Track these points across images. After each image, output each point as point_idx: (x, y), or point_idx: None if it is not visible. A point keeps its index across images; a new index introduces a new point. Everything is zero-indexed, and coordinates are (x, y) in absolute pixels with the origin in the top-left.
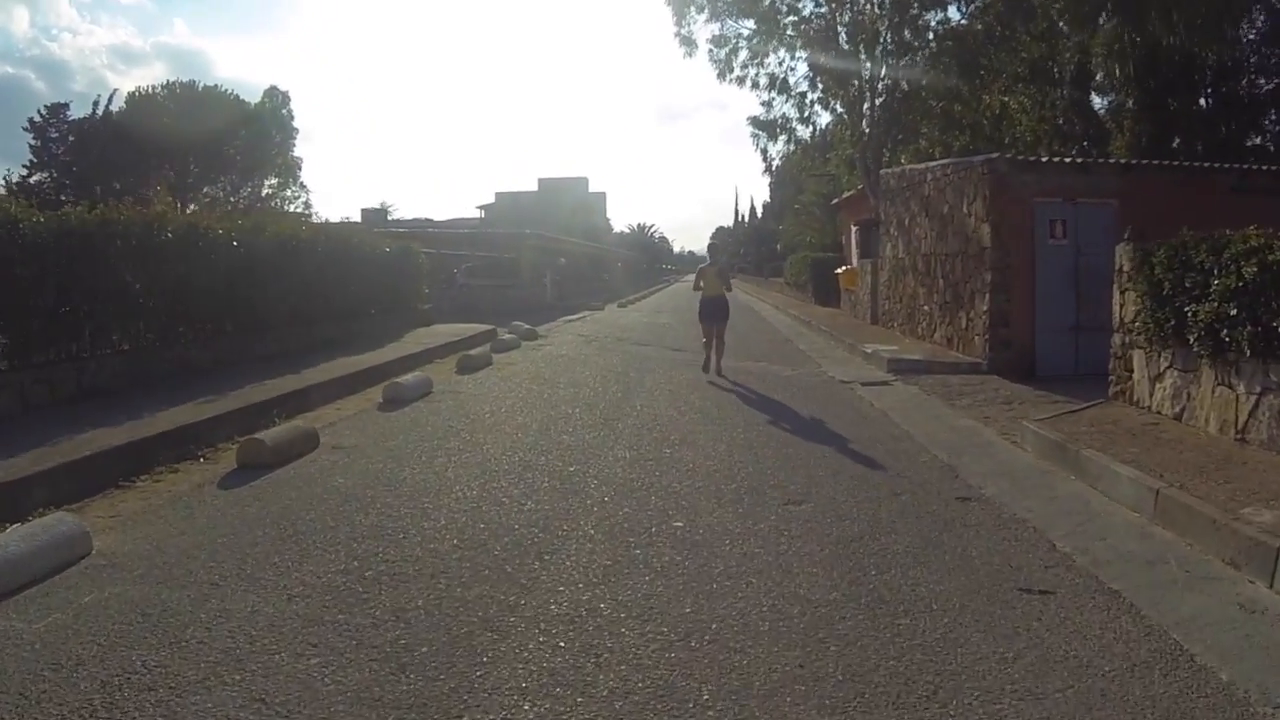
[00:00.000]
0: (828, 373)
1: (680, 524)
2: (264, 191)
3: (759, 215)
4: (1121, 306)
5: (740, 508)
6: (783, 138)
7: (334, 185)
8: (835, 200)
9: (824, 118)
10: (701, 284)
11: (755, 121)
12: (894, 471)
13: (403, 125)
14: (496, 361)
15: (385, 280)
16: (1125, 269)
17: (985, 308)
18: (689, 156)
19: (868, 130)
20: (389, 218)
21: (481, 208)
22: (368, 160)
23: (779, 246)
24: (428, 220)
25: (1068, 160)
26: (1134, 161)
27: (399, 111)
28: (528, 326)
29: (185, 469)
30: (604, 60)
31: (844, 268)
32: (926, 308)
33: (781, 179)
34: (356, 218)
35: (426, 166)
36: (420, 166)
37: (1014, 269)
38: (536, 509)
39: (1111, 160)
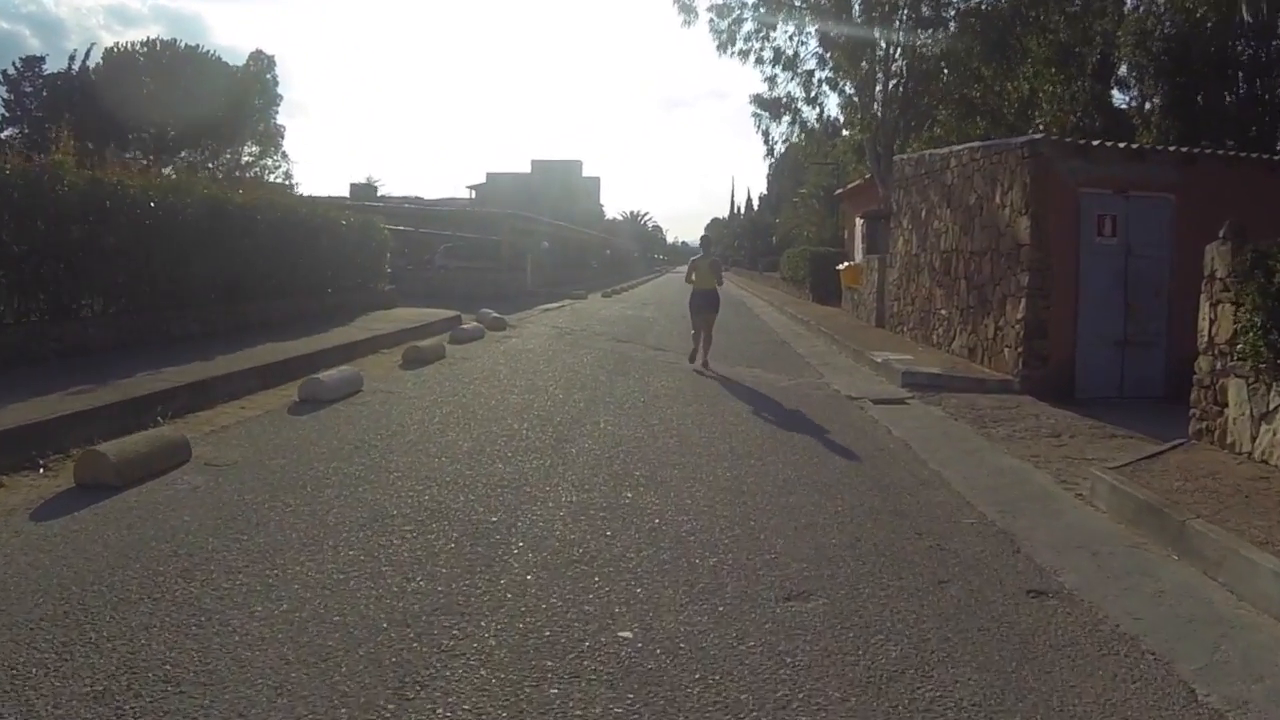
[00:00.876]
0: (832, 385)
1: (628, 634)
2: (244, 159)
3: (755, 207)
4: (1213, 322)
5: (719, 603)
6: (786, 119)
7: (327, 159)
8: (839, 191)
9: (832, 100)
10: (693, 276)
11: (758, 100)
12: (932, 540)
13: (399, 101)
14: (450, 355)
15: (342, 257)
16: (1220, 275)
17: (1020, 315)
18: (687, 146)
19: (880, 113)
20: (377, 194)
21: (472, 188)
22: (362, 135)
23: (775, 240)
24: (418, 198)
25: (1121, 145)
26: (1199, 150)
27: (396, 87)
28: (495, 315)
29: (13, 483)
30: (604, 43)
31: (846, 264)
32: (944, 312)
33: (780, 171)
34: (346, 193)
35: (421, 144)
36: (415, 144)
37: (1054, 271)
38: (421, 594)
39: (1172, 149)
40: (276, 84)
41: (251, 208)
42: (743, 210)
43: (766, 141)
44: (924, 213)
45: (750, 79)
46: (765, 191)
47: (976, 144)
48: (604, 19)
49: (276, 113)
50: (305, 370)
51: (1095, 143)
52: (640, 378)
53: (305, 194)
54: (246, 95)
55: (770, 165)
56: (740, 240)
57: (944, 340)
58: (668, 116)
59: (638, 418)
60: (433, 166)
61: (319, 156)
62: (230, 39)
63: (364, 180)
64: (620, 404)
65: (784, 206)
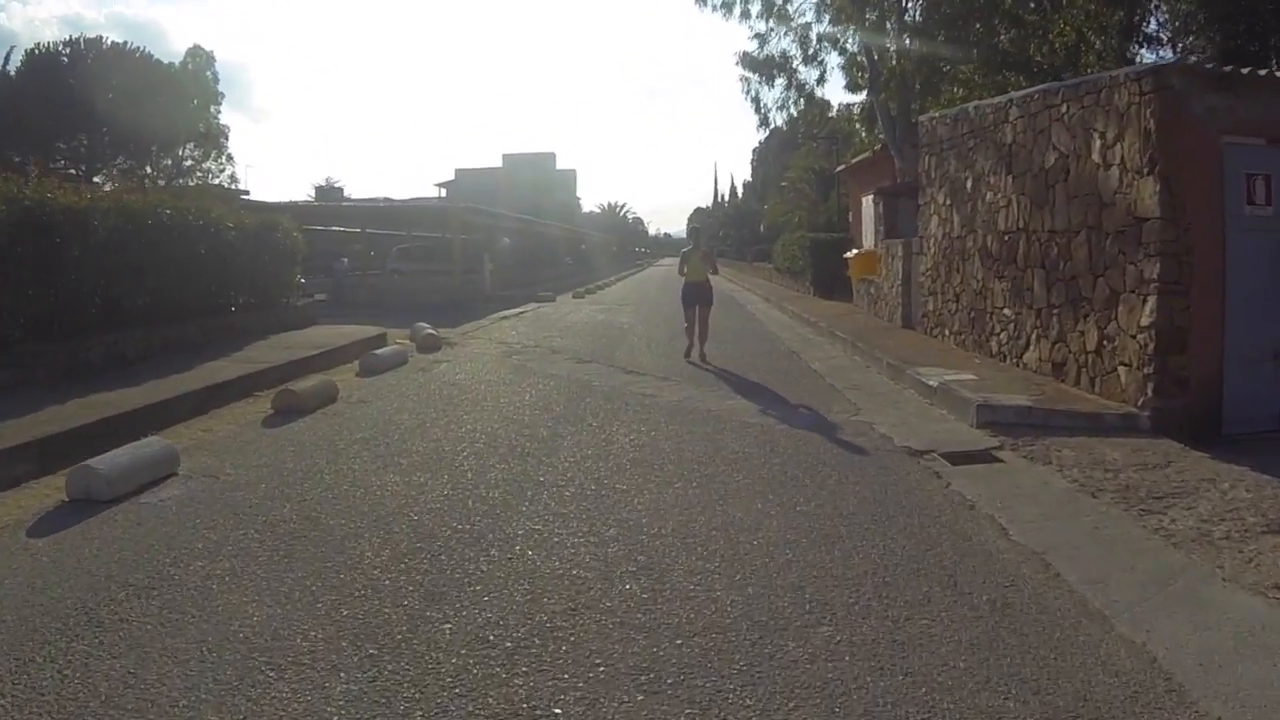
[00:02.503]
0: (875, 426)
1: None
2: (185, 163)
3: (740, 195)
4: None
5: None
6: (780, 82)
7: (294, 165)
8: (840, 168)
9: (833, 60)
10: (685, 269)
11: (747, 61)
12: None
13: (366, 101)
14: (346, 396)
15: (233, 269)
16: None
17: (1146, 320)
18: (667, 136)
19: (897, 65)
20: (341, 196)
21: (441, 185)
22: (329, 138)
23: (763, 228)
24: (387, 199)
25: None
26: None
27: (363, 87)
28: (430, 331)
29: None
30: (576, 31)
31: (855, 251)
32: (1008, 312)
33: (765, 156)
34: (312, 197)
35: (390, 143)
36: (384, 144)
37: (1191, 255)
38: None
39: None
40: (217, 80)
41: (81, 210)
42: (726, 198)
43: (758, 110)
44: (969, 183)
45: (736, 33)
46: (750, 178)
47: (1056, 85)
48: (577, 4)
49: (219, 112)
50: (83, 449)
51: (1246, 70)
52: (600, 426)
53: (276, 200)
54: (184, 94)
55: (754, 152)
56: (726, 229)
57: (1009, 349)
58: (647, 106)
59: (583, 521)
60: (402, 166)
61: (286, 162)
62: (189, 45)
63: (323, 182)
64: (561, 486)
65: (770, 193)
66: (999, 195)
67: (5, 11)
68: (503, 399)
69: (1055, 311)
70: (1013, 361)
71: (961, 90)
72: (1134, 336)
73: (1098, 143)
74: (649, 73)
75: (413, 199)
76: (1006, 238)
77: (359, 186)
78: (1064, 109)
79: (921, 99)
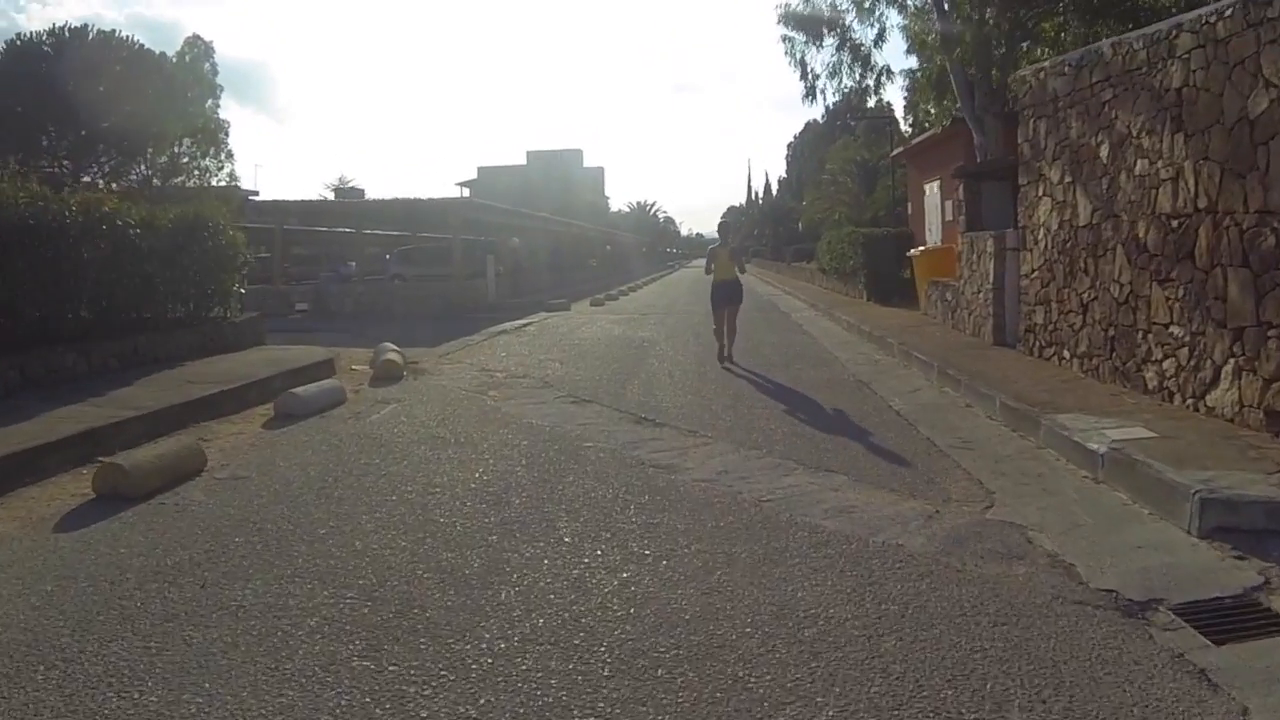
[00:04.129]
0: (1030, 534)
1: None
2: (183, 159)
3: (774, 192)
4: None
5: None
6: (831, 42)
7: (315, 165)
8: (897, 150)
9: (892, 17)
10: (713, 267)
11: (789, 17)
12: None
13: (388, 98)
14: (224, 464)
15: (137, 277)
16: None
17: None
18: (698, 133)
19: (975, 16)
20: (356, 196)
21: (463, 184)
22: (351, 137)
23: (801, 225)
24: (414, 200)
25: None
26: None
27: (386, 85)
28: (390, 355)
29: None
30: (603, 25)
31: (922, 248)
32: (1178, 330)
33: (800, 151)
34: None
35: (412, 141)
36: (405, 141)
37: None
38: None
39: None
40: (216, 73)
41: None
42: (760, 195)
43: (804, 76)
44: (1104, 151)
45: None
46: (785, 174)
47: None
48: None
49: (218, 106)
50: None
51: None
52: (573, 548)
53: (275, 198)
54: (180, 87)
55: (789, 147)
56: (760, 228)
57: (1181, 385)
58: (676, 102)
59: None
60: (425, 165)
61: (307, 162)
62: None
63: (336, 181)
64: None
65: (807, 188)
66: (1159, 164)
67: (25, 13)
68: (440, 476)
69: (1273, 332)
70: (1188, 403)
71: (1047, 50)
72: None
73: None
74: (679, 67)
75: (434, 199)
76: (1175, 224)
77: (380, 186)
78: None
79: (1009, 54)
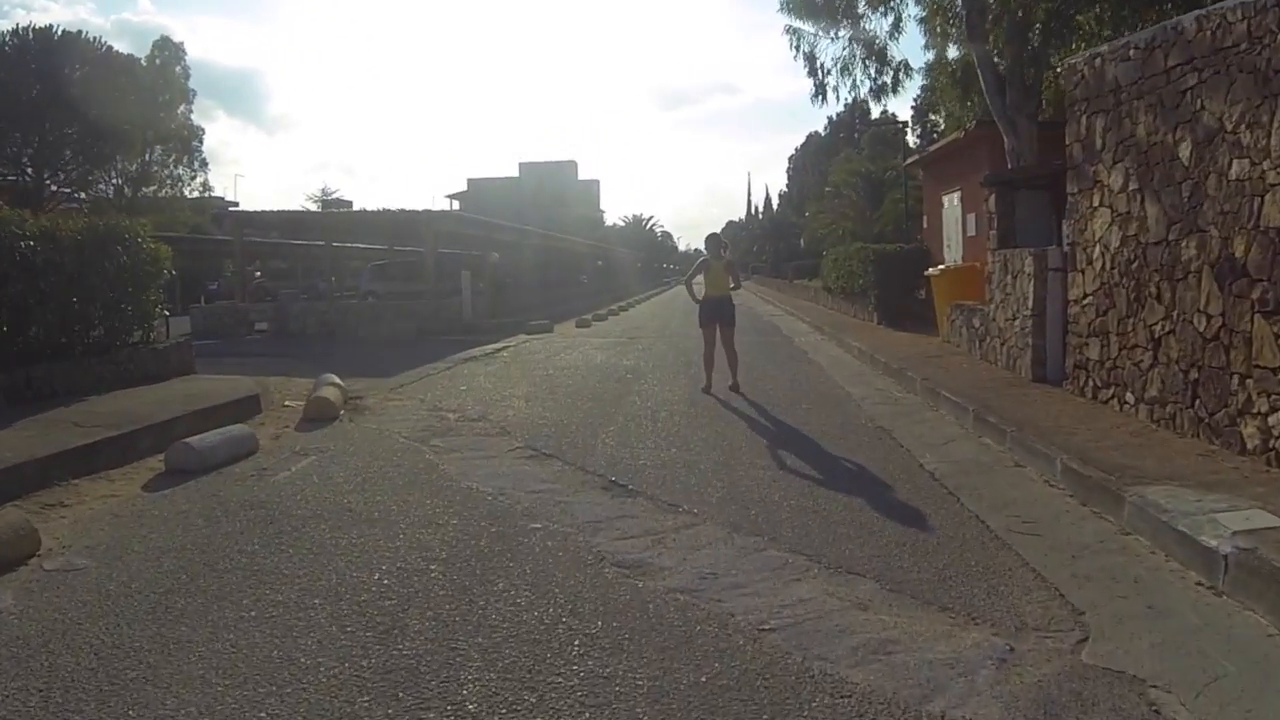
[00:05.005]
0: (1168, 710)
1: None
2: (153, 167)
3: (775, 207)
4: None
5: None
6: (844, 32)
7: (303, 176)
8: (911, 159)
9: (911, 6)
10: (699, 282)
11: (794, 5)
12: None
13: (378, 110)
14: (63, 548)
15: (29, 297)
16: None
17: None
18: (696, 147)
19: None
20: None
21: (453, 196)
22: (341, 149)
23: (803, 241)
24: (385, 211)
25: None
26: None
27: (376, 95)
28: (325, 391)
29: None
30: (598, 36)
31: (942, 267)
32: None
33: (801, 164)
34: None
35: (402, 154)
36: (395, 154)
37: None
38: None
39: None
40: (188, 77)
41: None
42: (760, 211)
43: (813, 73)
44: (1185, 150)
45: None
46: (786, 189)
47: None
48: (599, 6)
49: (191, 112)
50: None
51: None
52: None
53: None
54: (149, 91)
55: (790, 160)
56: (760, 244)
57: None
58: (673, 114)
59: None
60: (416, 175)
61: (295, 174)
62: (204, 53)
63: (319, 192)
64: None
65: (809, 203)
66: (1265, 165)
67: (6, 19)
68: (327, 577)
69: None
70: None
71: (1082, 43)
72: None
73: None
74: (676, 79)
75: (404, 211)
76: None
77: (370, 198)
78: None
79: (1044, 45)
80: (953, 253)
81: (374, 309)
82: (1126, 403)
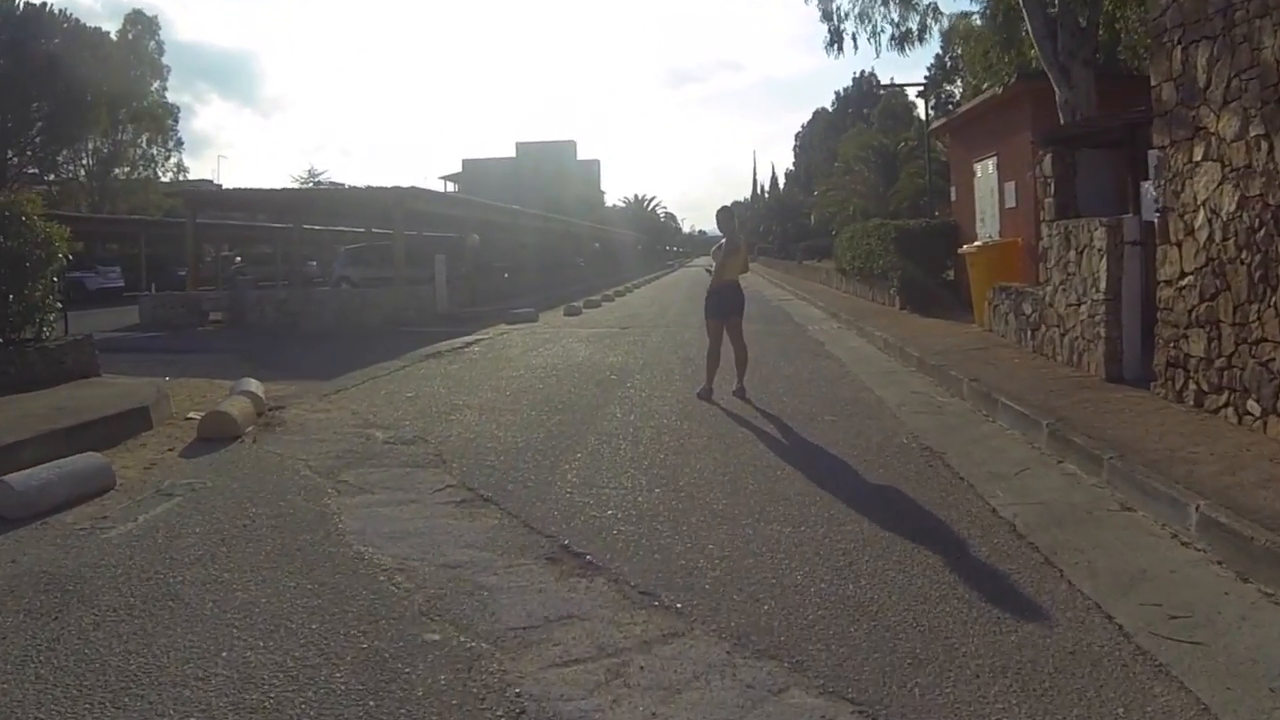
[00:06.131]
0: None
1: None
2: (126, 147)
3: (781, 186)
4: None
5: None
6: None
7: (303, 157)
8: (935, 125)
9: None
10: (718, 267)
11: None
12: None
13: (372, 90)
14: None
15: None
16: None
17: None
18: (700, 126)
19: None
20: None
21: (447, 178)
22: (334, 130)
23: (812, 219)
24: (353, 189)
25: None
26: None
27: (369, 75)
28: (242, 398)
29: None
30: (602, 13)
31: (979, 244)
32: None
33: (808, 142)
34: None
35: (396, 134)
36: (389, 135)
37: None
38: None
39: None
40: (162, 53)
41: None
42: (766, 189)
43: (827, 17)
44: None
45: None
46: (792, 167)
47: None
48: None
49: (165, 89)
50: None
51: None
52: None
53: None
54: (120, 67)
55: (797, 138)
56: (767, 224)
57: None
58: (676, 93)
59: None
60: (409, 157)
61: (291, 155)
62: (197, 34)
63: (305, 173)
64: None
65: (818, 180)
66: None
67: None
68: None
69: None
70: None
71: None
72: None
73: None
74: (679, 56)
75: (371, 188)
76: None
77: (362, 181)
78: None
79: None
80: (987, 227)
81: (339, 298)
82: (1249, 414)
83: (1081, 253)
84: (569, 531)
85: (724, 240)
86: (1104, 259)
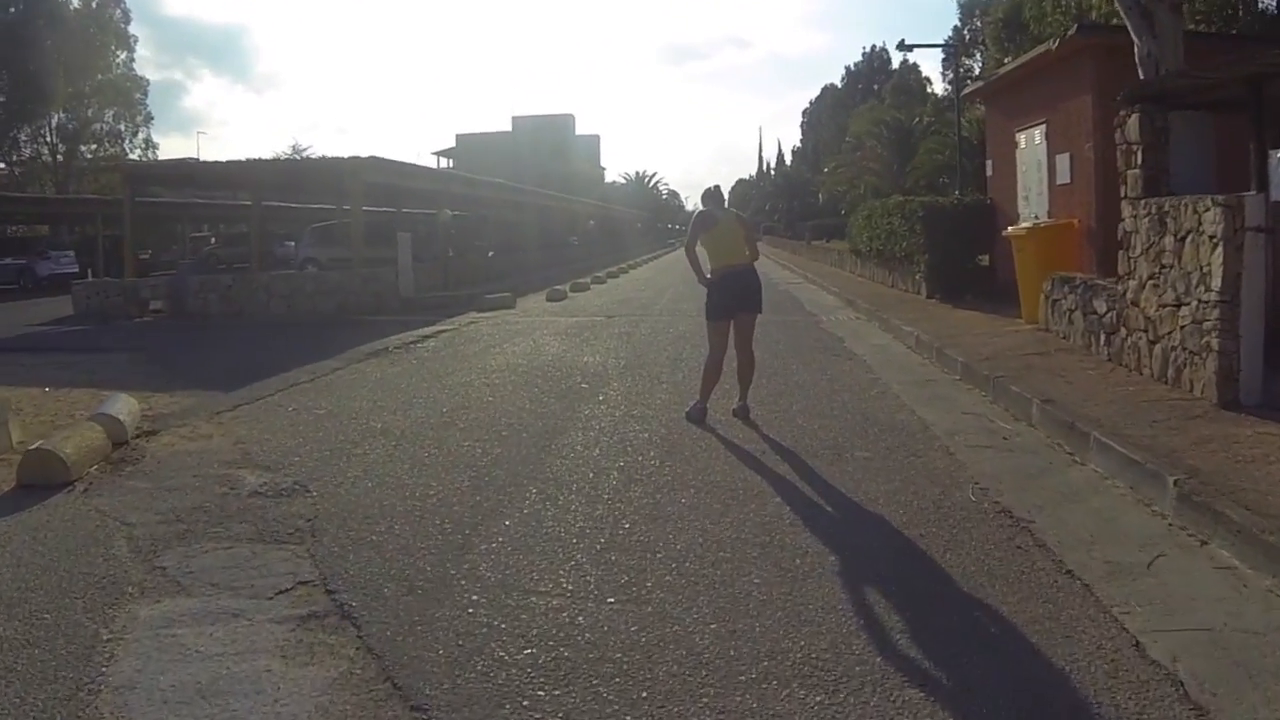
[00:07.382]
0: None
1: None
2: (93, 124)
3: (788, 163)
4: None
5: None
6: None
7: (300, 134)
8: (968, 90)
9: None
10: (702, 243)
11: None
12: None
13: (364, 63)
14: None
15: None
16: None
17: None
18: (704, 103)
19: None
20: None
21: (441, 153)
22: (334, 106)
23: (821, 197)
24: (305, 160)
25: None
26: None
27: (374, 52)
28: (87, 429)
29: None
30: None
31: (1028, 225)
32: None
33: (816, 117)
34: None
35: (389, 108)
36: (382, 109)
37: None
38: None
39: None
40: (128, 21)
41: None
42: (773, 167)
43: None
44: None
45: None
46: (800, 144)
47: None
48: None
49: (132, 61)
50: None
51: None
52: None
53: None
54: (81, 38)
55: (805, 114)
56: (773, 202)
57: None
58: (680, 68)
59: None
60: (409, 131)
61: (288, 132)
62: (185, 11)
63: (289, 149)
64: None
65: (827, 158)
66: None
67: None
68: None
69: None
70: None
71: None
72: None
73: None
74: (683, 30)
75: (325, 158)
76: None
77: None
78: None
79: None
80: (1032, 206)
81: (290, 283)
82: None
83: (1183, 240)
84: (453, 700)
85: (702, 211)
86: (1218, 249)
